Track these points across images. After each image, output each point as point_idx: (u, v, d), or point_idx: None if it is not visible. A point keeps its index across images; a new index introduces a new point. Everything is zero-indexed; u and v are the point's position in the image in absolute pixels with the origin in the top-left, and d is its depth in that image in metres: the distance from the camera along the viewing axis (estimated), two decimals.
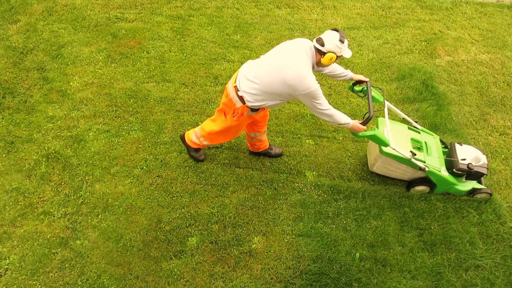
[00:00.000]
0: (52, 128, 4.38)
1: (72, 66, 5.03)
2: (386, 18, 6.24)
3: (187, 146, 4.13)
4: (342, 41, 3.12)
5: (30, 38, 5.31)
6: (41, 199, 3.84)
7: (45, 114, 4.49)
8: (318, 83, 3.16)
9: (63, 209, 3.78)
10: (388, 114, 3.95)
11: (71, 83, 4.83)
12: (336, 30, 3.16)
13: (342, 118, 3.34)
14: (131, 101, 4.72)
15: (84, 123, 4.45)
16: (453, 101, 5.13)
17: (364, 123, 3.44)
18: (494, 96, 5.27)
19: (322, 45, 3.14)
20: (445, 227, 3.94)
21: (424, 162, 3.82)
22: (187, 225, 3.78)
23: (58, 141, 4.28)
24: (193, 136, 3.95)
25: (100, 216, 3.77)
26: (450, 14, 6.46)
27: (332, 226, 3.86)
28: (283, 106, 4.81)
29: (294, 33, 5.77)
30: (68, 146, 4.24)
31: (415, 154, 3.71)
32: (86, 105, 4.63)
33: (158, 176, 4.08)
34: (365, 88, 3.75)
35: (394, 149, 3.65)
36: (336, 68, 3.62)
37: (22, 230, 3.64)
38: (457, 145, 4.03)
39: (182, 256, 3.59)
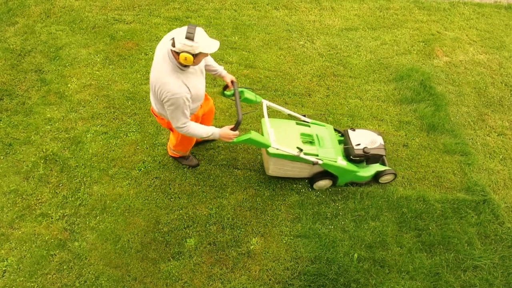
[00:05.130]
0: (50, 130, 4.38)
1: (70, 68, 5.03)
2: (383, 19, 6.24)
3: (176, 158, 4.17)
4: (190, 38, 2.68)
5: (28, 40, 5.31)
6: (39, 201, 3.84)
7: (43, 116, 4.49)
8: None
9: (61, 211, 3.78)
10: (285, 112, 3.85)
11: (69, 85, 4.83)
12: (188, 25, 2.73)
13: (202, 130, 3.18)
14: (129, 102, 4.71)
15: (82, 125, 4.45)
16: (451, 101, 5.14)
17: (234, 128, 3.23)
18: (492, 97, 5.28)
19: (173, 45, 2.77)
20: (443, 227, 3.95)
21: (317, 155, 3.70)
22: (185, 226, 3.77)
23: (56, 143, 4.28)
24: (170, 149, 4.02)
25: (98, 217, 3.77)
26: (448, 15, 6.47)
27: (330, 227, 3.86)
28: None
29: (292, 34, 5.78)
30: (66, 148, 4.24)
31: (301, 150, 3.54)
32: (84, 107, 4.63)
33: (156, 178, 4.08)
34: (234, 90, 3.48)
35: (277, 148, 3.49)
36: (208, 60, 3.38)
37: (20, 232, 3.64)
38: (350, 131, 3.92)
39: (180, 258, 3.59)
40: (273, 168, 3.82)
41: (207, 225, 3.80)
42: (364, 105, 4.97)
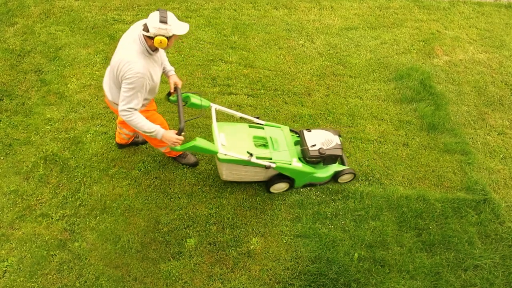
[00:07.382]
0: (50, 130, 4.38)
1: (70, 68, 5.03)
2: (383, 18, 6.24)
3: (175, 158, 4.18)
4: (163, 22, 2.83)
5: (27, 41, 5.31)
6: (39, 201, 3.84)
7: (43, 116, 4.49)
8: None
9: (61, 211, 3.78)
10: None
11: (68, 85, 4.83)
12: (159, 10, 2.86)
13: (145, 123, 3.09)
14: None
15: (82, 125, 4.45)
16: (451, 100, 5.14)
17: (178, 134, 3.18)
18: (492, 96, 5.28)
19: (147, 30, 2.89)
20: (443, 227, 3.94)
21: (270, 158, 3.61)
22: (185, 226, 3.77)
23: (56, 143, 4.27)
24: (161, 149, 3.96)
25: (98, 218, 3.77)
26: (447, 14, 6.47)
27: (330, 226, 3.86)
28: (281, 106, 4.81)
29: (291, 33, 5.77)
30: (66, 148, 4.24)
31: (252, 154, 3.44)
32: (84, 107, 4.62)
33: (156, 178, 4.08)
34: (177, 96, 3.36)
35: (225, 154, 3.39)
36: (162, 56, 3.35)
37: (20, 233, 3.64)
38: (305, 132, 3.84)
39: (180, 258, 3.59)
40: (227, 173, 3.74)
41: (207, 225, 3.79)
42: (364, 104, 4.97)
